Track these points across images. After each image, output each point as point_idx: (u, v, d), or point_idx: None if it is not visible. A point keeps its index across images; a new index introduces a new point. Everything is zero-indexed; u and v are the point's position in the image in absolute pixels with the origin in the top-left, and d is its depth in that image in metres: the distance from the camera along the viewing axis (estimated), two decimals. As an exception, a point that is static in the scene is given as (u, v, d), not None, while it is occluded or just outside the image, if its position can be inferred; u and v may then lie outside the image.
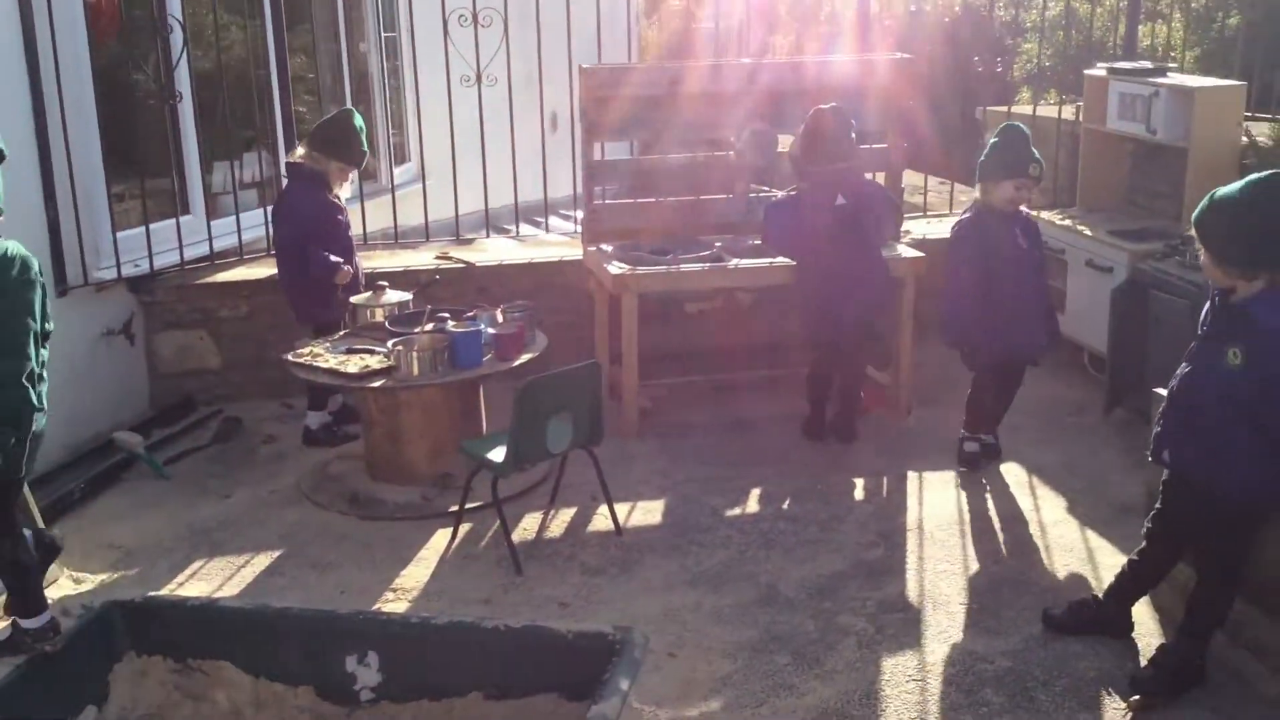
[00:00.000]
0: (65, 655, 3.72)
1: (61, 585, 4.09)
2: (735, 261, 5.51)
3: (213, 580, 4.23)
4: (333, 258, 5.17)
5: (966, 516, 4.64)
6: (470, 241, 6.72)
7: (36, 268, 3.45)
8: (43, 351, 3.55)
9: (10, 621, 3.63)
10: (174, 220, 5.81)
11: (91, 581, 4.16)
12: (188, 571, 4.30)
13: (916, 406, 5.70)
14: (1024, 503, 4.74)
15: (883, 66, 6.17)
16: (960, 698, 3.45)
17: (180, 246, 5.84)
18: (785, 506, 4.74)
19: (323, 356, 4.76)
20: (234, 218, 6.11)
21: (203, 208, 6.20)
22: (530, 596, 4.06)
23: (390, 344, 4.66)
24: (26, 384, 3.41)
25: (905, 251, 5.65)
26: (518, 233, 6.80)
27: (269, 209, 6.35)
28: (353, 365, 4.65)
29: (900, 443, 5.38)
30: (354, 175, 5.47)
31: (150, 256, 5.69)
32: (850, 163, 5.29)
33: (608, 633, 3.72)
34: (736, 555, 4.33)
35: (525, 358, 4.82)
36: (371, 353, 4.73)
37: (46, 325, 3.57)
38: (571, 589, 4.11)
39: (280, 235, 5.41)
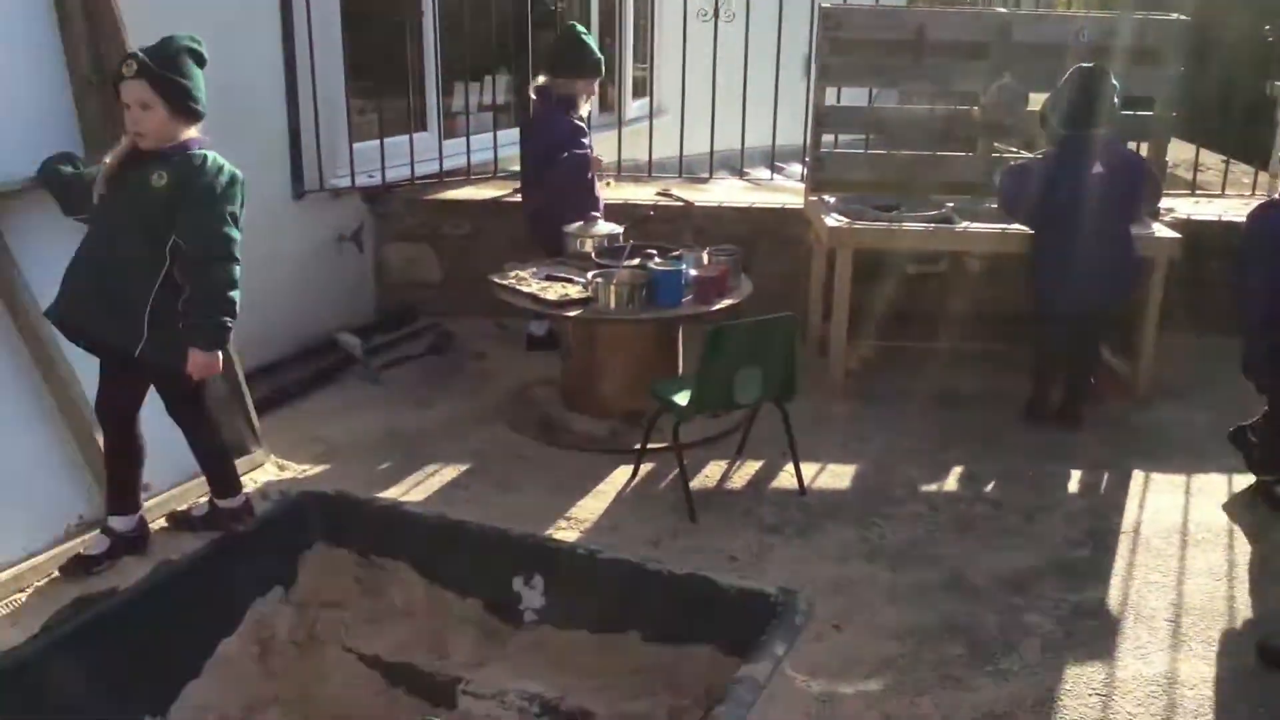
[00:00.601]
0: (260, 536, 3.92)
1: (266, 470, 4.30)
2: (965, 225, 5.17)
3: (403, 485, 4.35)
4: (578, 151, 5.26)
5: (1192, 526, 4.21)
6: (697, 180, 6.61)
7: (242, 181, 3.44)
8: None
9: (209, 500, 3.82)
10: (408, 136, 5.97)
11: (294, 470, 4.35)
12: (381, 473, 4.43)
13: (1157, 400, 5.22)
14: (1263, 519, 4.25)
15: (1154, 26, 5.60)
16: (1148, 722, 3.13)
17: (412, 162, 6.00)
18: (988, 489, 4.44)
19: (525, 281, 4.77)
20: (465, 138, 6.22)
21: (438, 126, 6.35)
22: (700, 545, 3.97)
23: (590, 275, 4.62)
24: (238, 290, 3.42)
25: (1160, 230, 5.15)
26: (742, 175, 6.63)
27: (498, 133, 6.47)
28: (552, 293, 4.65)
29: (1130, 436, 4.93)
30: (594, 92, 5.47)
31: (383, 169, 5.87)
32: (1109, 129, 4.84)
33: (770, 593, 3.58)
34: (924, 535, 4.09)
35: (726, 302, 4.69)
36: (571, 282, 4.71)
37: None
38: (743, 544, 3.99)
39: (526, 154, 5.48)
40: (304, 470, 4.35)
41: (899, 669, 3.32)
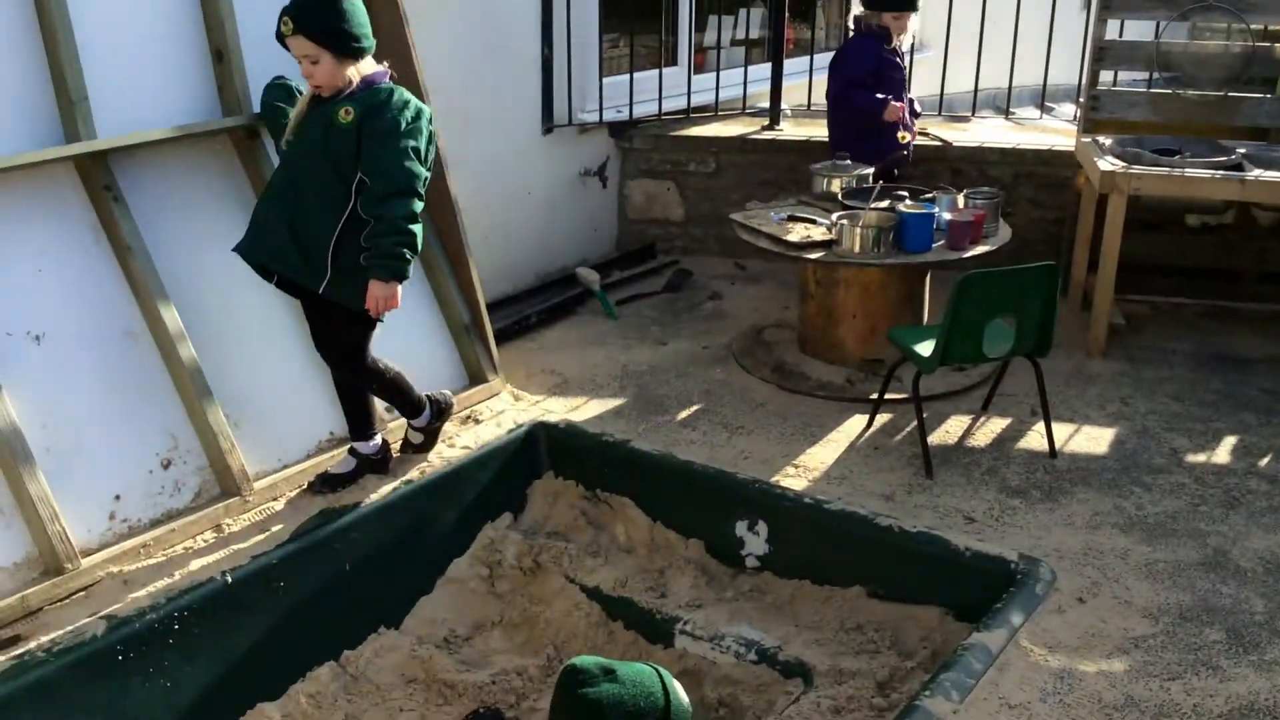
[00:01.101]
0: (493, 463, 4.04)
1: (502, 399, 4.40)
2: (1258, 173, 4.65)
3: (632, 421, 4.35)
4: (879, 96, 5.10)
5: None
6: (958, 119, 6.27)
7: (429, 115, 3.34)
8: None
9: (350, 449, 3.71)
10: (658, 71, 5.92)
11: (528, 400, 4.44)
12: (612, 407, 4.45)
13: None
14: None
15: None
16: None
17: (660, 97, 5.96)
18: (1264, 464, 4.02)
19: (767, 221, 4.65)
20: (715, 74, 6.12)
21: (688, 61, 6.27)
22: (935, 503, 3.78)
23: (835, 216, 4.44)
24: (420, 224, 3.31)
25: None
26: (1007, 114, 6.23)
27: (749, 69, 6.34)
28: (794, 234, 4.50)
29: None
30: (906, 28, 5.20)
31: (631, 104, 5.85)
32: None
33: (1010, 560, 3.38)
34: (1187, 508, 3.74)
35: (980, 249, 4.41)
36: (814, 223, 4.55)
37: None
38: (983, 505, 3.77)
39: (830, 85, 5.35)
40: (537, 401, 4.43)
41: (1148, 650, 3.05)
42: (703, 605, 3.51)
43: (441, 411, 3.84)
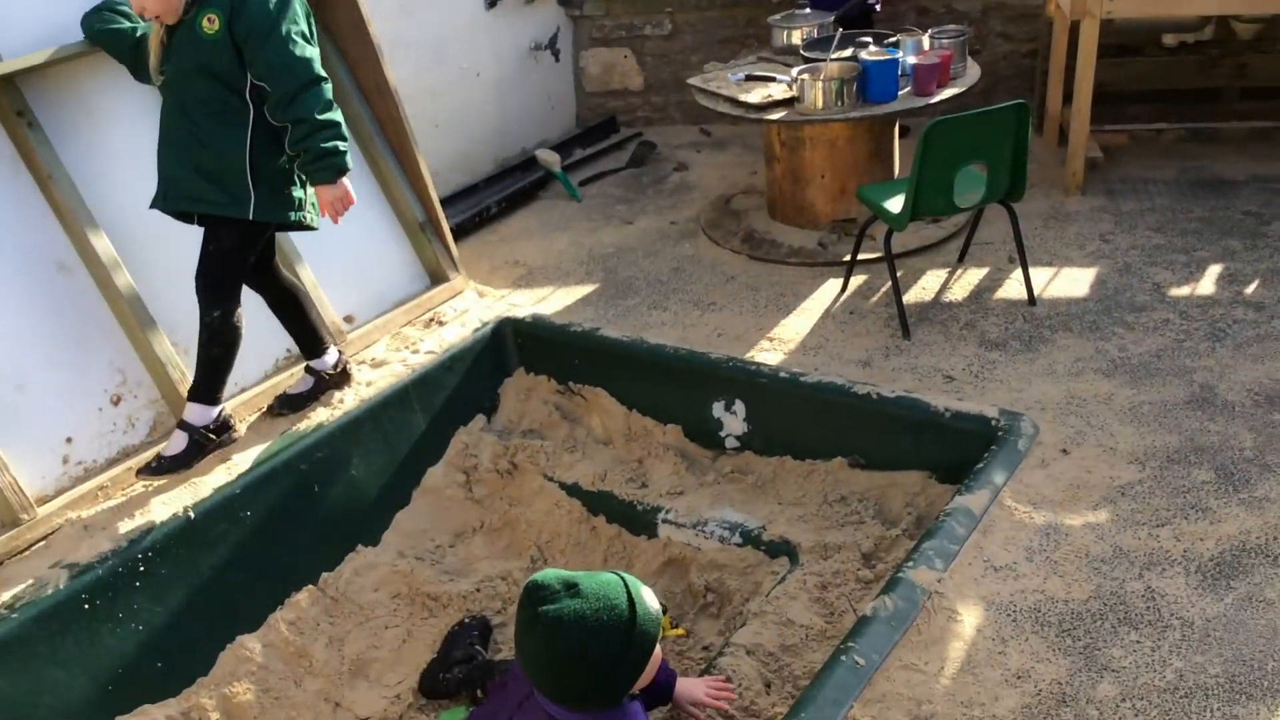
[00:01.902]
0: (460, 364, 3.94)
1: (465, 297, 4.27)
2: (1236, -20, 4.42)
3: (601, 308, 4.24)
4: None
5: None
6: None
7: None
8: None
9: (306, 366, 3.52)
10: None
11: (493, 296, 4.31)
12: (580, 295, 4.33)
13: None
14: None
15: None
16: None
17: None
18: (1250, 291, 3.90)
19: (725, 83, 4.43)
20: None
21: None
22: (914, 364, 3.68)
23: (795, 72, 4.23)
24: (336, 109, 3.06)
25: None
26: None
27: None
28: (755, 95, 4.30)
29: None
30: None
31: (576, -31, 5.58)
32: None
33: (991, 417, 3.29)
34: (1172, 344, 3.64)
35: (948, 93, 4.21)
36: (773, 80, 4.34)
37: None
38: (962, 361, 3.67)
39: None
40: (503, 295, 4.30)
41: (1135, 497, 2.99)
42: (684, 492, 3.45)
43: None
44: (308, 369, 3.51)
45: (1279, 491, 2.95)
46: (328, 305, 3.79)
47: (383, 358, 3.81)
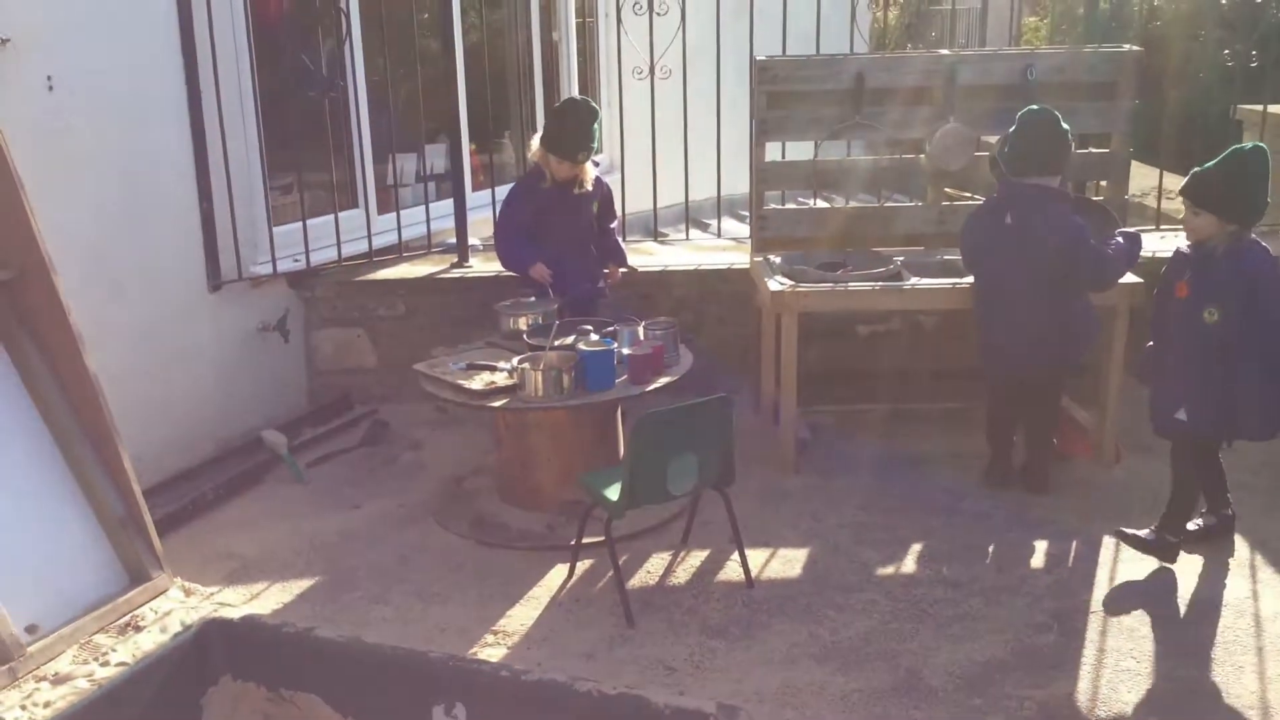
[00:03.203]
0: (158, 673, 3.62)
1: (169, 597, 3.98)
2: (914, 281, 4.90)
3: (319, 603, 4.05)
4: (526, 255, 5.11)
5: (1165, 600, 3.92)
6: (637, 243, 6.37)
7: None
8: None
9: None
10: (333, 215, 5.70)
11: (201, 594, 4.03)
12: (298, 590, 4.13)
13: (1129, 454, 4.94)
14: (1239, 588, 3.96)
15: (1105, 59, 5.37)
16: (1124, 844, 2.82)
17: (338, 242, 5.74)
18: (947, 570, 4.14)
19: (448, 370, 4.49)
20: (395, 214, 5.99)
21: (366, 202, 6.10)
22: (638, 655, 3.66)
23: (515, 360, 4.34)
24: None
25: (1119, 276, 4.88)
26: (688, 235, 6.39)
27: (430, 206, 6.25)
28: (478, 382, 4.36)
29: (1099, 498, 4.65)
30: (588, 166, 5.16)
31: (307, 252, 5.61)
32: (1035, 179, 4.51)
33: (709, 713, 3.28)
34: (879, 626, 3.79)
35: (662, 381, 4.40)
36: (494, 369, 4.43)
37: None
38: (685, 650, 3.68)
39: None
40: (212, 593, 4.03)
41: (848, 794, 3.02)
42: (396, 811, 3.22)
43: None
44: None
45: (978, 779, 3.05)
46: (4, 616, 3.44)
47: (67, 671, 3.45)
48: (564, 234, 5.14)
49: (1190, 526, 4.22)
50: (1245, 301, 3.89)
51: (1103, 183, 5.66)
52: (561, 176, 5.08)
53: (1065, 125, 4.53)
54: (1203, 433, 4.06)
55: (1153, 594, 3.95)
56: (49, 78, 4.30)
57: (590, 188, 5.20)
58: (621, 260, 5.38)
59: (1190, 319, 3.98)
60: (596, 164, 5.31)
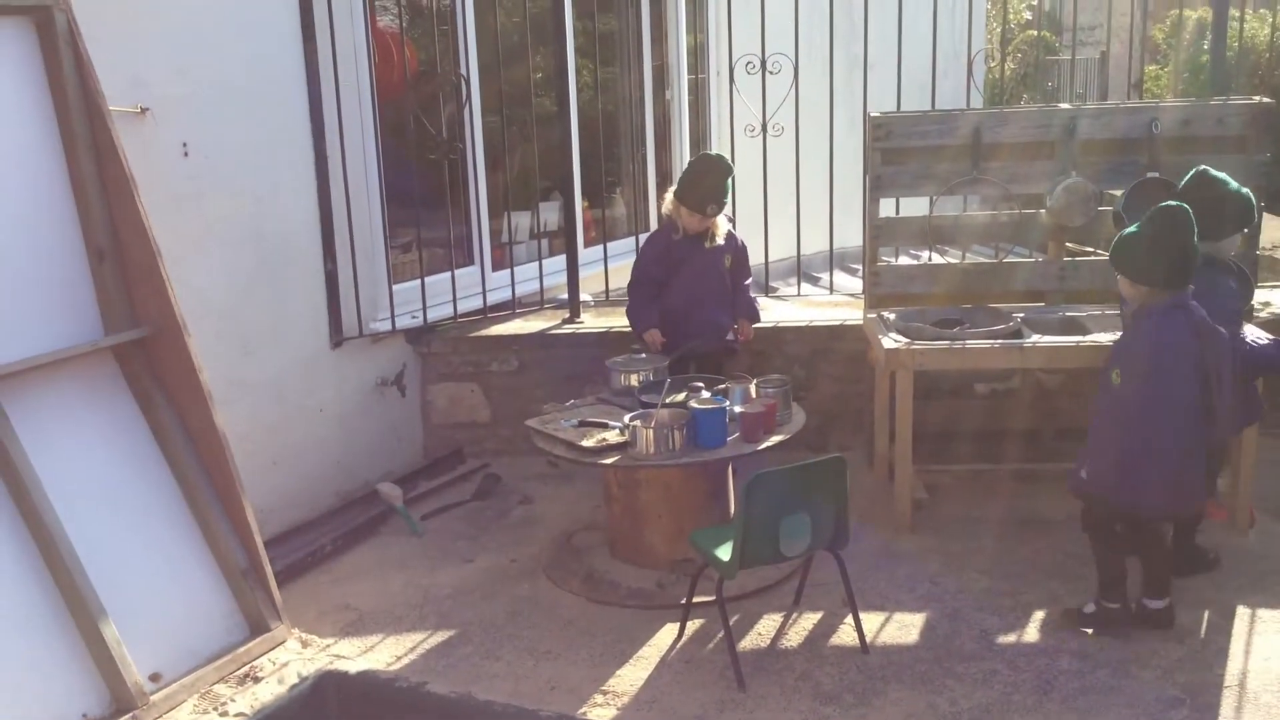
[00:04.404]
0: (277, 724, 3.69)
1: (287, 648, 4.07)
2: (1034, 339, 4.77)
3: (432, 657, 4.08)
4: (644, 317, 5.21)
5: (1310, 675, 3.71)
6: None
7: None
8: None
9: None
10: (450, 273, 5.83)
11: (317, 645, 4.11)
12: (411, 643, 4.17)
13: (1262, 517, 4.71)
14: (1395, 665, 3.72)
15: (1234, 111, 5.19)
16: None
17: (454, 299, 5.86)
18: (1073, 640, 3.98)
19: (559, 427, 4.52)
20: (510, 270, 6.11)
21: (483, 259, 6.23)
22: (748, 719, 3.60)
23: (627, 418, 4.35)
24: None
25: (1251, 333, 4.68)
26: (799, 290, 6.35)
27: (544, 262, 6.35)
28: (590, 439, 4.38)
29: (1234, 567, 4.43)
30: (720, 220, 5.22)
31: (425, 309, 5.73)
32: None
33: (822, 784, 3.21)
34: (1000, 698, 3.65)
35: (774, 440, 4.36)
36: (605, 426, 4.44)
37: None
38: (797, 716, 3.60)
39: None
40: (328, 645, 4.11)
41: None
42: None
43: None
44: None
45: None
46: (130, 664, 3.56)
47: (188, 720, 3.56)
48: (694, 286, 5.19)
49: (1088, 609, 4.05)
50: (1148, 367, 3.81)
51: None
52: (692, 229, 5.14)
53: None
54: (1101, 495, 3.98)
55: (1296, 670, 3.73)
56: (184, 144, 4.51)
57: (722, 241, 5.24)
58: (754, 317, 5.36)
59: (1104, 375, 3.99)
60: (730, 219, 5.35)
